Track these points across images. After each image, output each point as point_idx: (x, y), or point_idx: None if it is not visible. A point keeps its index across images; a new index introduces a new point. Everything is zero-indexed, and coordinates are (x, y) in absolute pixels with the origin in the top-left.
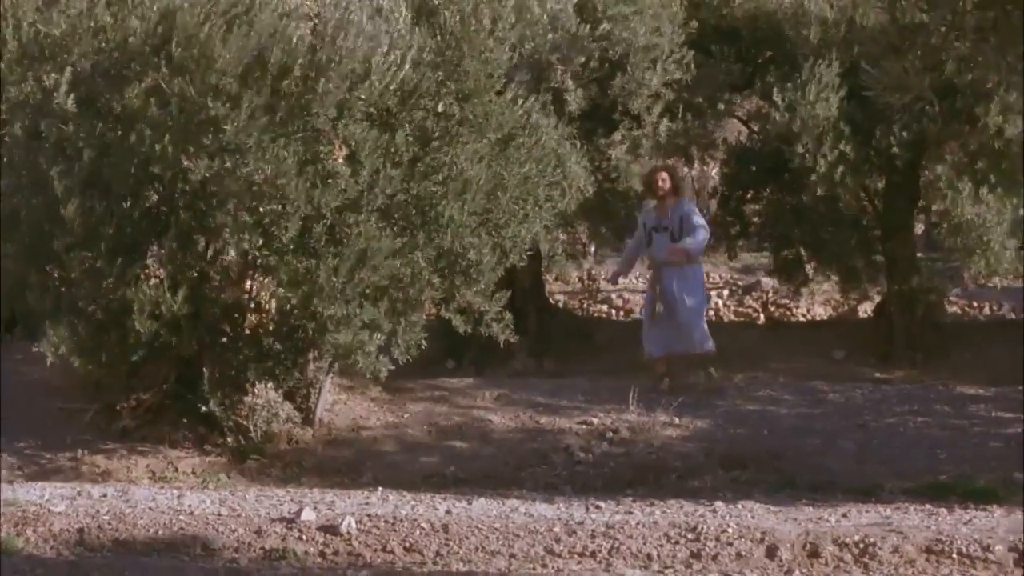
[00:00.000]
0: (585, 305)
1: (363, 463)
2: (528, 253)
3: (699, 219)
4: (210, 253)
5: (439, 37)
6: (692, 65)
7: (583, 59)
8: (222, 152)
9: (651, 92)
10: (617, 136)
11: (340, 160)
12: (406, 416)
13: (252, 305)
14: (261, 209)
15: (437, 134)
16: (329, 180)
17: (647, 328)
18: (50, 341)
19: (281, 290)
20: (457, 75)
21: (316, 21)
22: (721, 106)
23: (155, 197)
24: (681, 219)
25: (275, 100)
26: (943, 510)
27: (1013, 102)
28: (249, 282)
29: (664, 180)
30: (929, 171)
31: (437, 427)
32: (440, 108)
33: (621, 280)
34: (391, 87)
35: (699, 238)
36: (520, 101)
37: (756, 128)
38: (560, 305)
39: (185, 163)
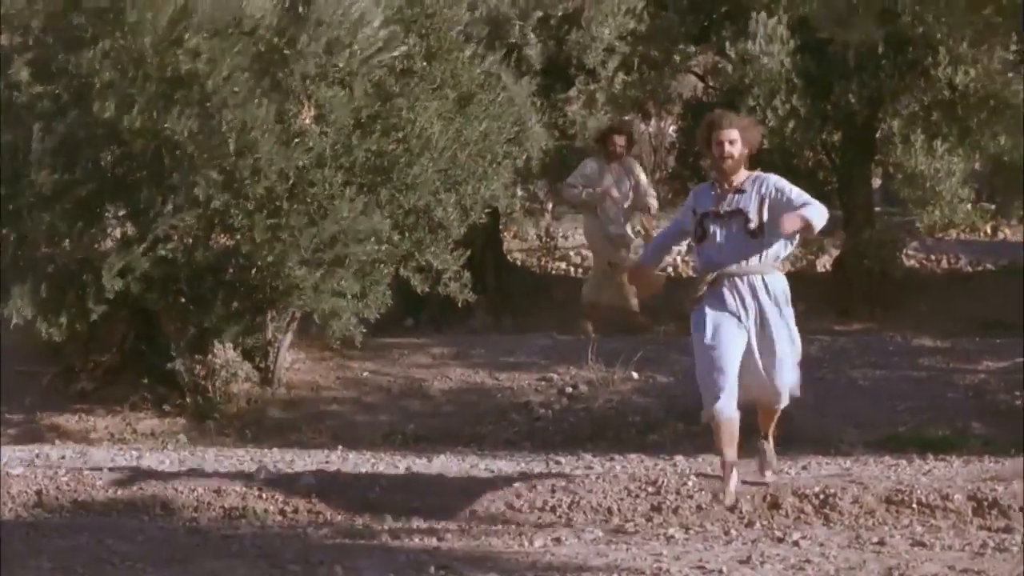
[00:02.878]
0: (543, 262)
1: (322, 422)
2: (486, 211)
3: (803, 194)
4: (173, 210)
5: None
6: (646, 16)
7: (541, 13)
8: (203, 110)
9: (605, 45)
10: (573, 92)
11: (308, 120)
12: (365, 375)
13: (214, 264)
14: (229, 167)
15: (397, 90)
16: (296, 139)
17: (707, 371)
18: (14, 303)
19: (254, 248)
20: (420, 32)
21: None
22: (677, 59)
23: (117, 154)
24: (765, 199)
25: (252, 59)
26: (902, 461)
27: (962, 52)
28: (211, 241)
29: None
30: (885, 124)
31: (396, 386)
32: (401, 66)
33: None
34: (356, 49)
35: (821, 210)
36: (480, 59)
37: (712, 82)
38: (518, 263)
39: (166, 125)
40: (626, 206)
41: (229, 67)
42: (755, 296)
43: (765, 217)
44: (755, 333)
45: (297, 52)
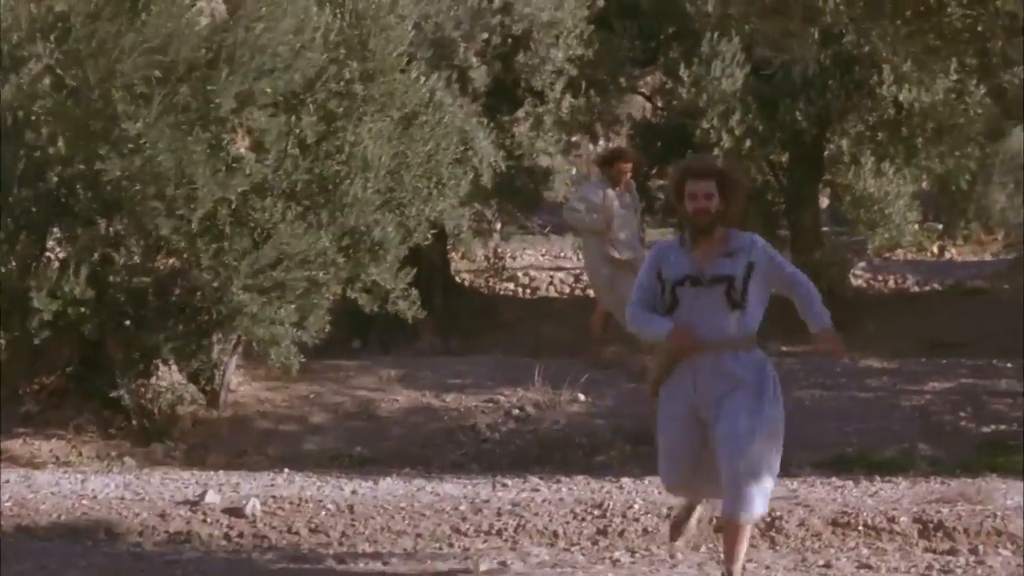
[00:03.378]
0: (491, 283)
1: (269, 444)
2: (432, 232)
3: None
4: (113, 235)
5: (343, 16)
6: (595, 40)
7: (486, 35)
8: (131, 152)
9: (554, 68)
10: (521, 113)
11: (243, 149)
12: (312, 397)
13: (157, 288)
14: (169, 193)
15: (342, 112)
16: (235, 165)
17: (662, 456)
18: None
19: (195, 272)
20: (362, 55)
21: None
22: (623, 81)
23: (59, 178)
24: (755, 267)
25: (179, 88)
26: (849, 482)
27: (907, 72)
28: (153, 264)
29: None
30: (833, 144)
31: (343, 407)
32: (345, 88)
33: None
34: (295, 77)
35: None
36: (423, 79)
37: (660, 104)
38: (466, 283)
39: (97, 165)
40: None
41: (161, 106)
42: (727, 377)
43: (752, 287)
44: (723, 422)
45: (227, 81)
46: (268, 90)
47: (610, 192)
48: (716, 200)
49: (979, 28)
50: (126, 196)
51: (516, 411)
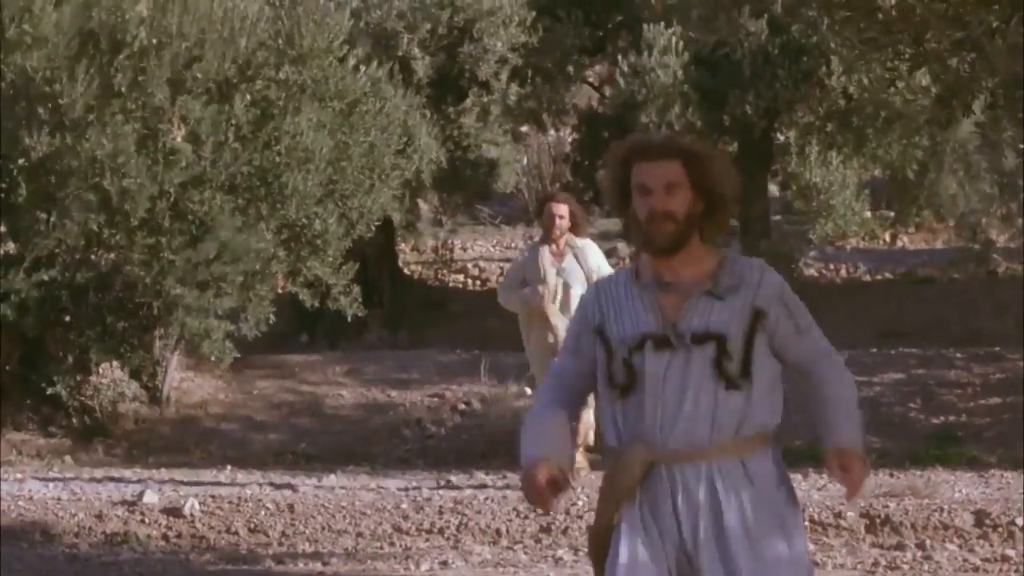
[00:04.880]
0: (441, 275)
1: (212, 441)
2: (377, 223)
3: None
4: (54, 231)
5: (276, 4)
6: (540, 28)
7: (429, 26)
8: (62, 128)
9: (498, 57)
10: (467, 103)
11: (179, 139)
12: (255, 393)
13: (95, 283)
14: (105, 186)
15: (280, 102)
16: (171, 156)
17: None
18: None
19: (129, 267)
20: (293, 41)
21: None
22: (571, 70)
23: None
24: (763, 318)
25: (112, 76)
26: (797, 476)
27: (854, 61)
28: (93, 259)
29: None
30: (782, 135)
31: (287, 403)
32: (280, 76)
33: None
34: (226, 65)
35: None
36: (363, 68)
37: (607, 93)
38: (415, 276)
39: (26, 140)
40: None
41: (84, 86)
42: (726, 503)
43: (759, 349)
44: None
45: (153, 74)
46: (199, 75)
47: (546, 253)
48: (686, 196)
49: (916, 16)
50: (64, 189)
51: (462, 406)
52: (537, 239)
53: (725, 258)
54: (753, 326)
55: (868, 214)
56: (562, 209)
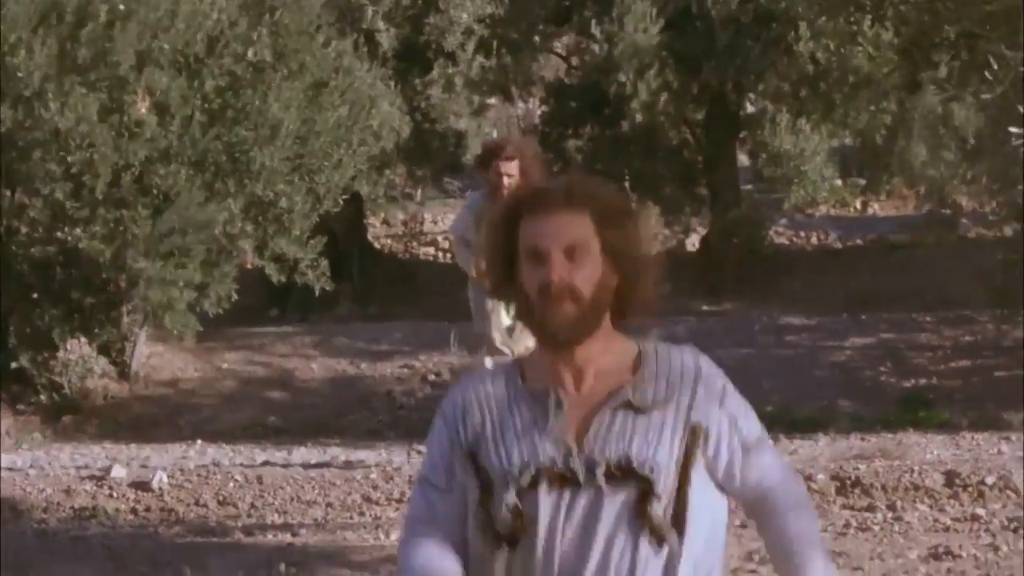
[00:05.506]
0: (410, 248)
1: (181, 416)
2: (344, 197)
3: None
4: (18, 205)
5: None
6: None
7: None
8: (23, 100)
9: (464, 28)
10: (434, 75)
11: (144, 110)
12: (225, 367)
13: (62, 259)
14: (69, 159)
15: (248, 79)
16: (136, 129)
17: None
18: None
19: (94, 243)
20: (268, 20)
21: None
22: (537, 40)
23: None
24: (702, 439)
25: (75, 47)
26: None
27: (822, 26)
28: (59, 234)
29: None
30: (751, 102)
31: (257, 377)
32: (251, 54)
33: None
34: (198, 35)
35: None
36: (332, 44)
37: (575, 63)
38: (385, 249)
39: None
40: None
41: (44, 57)
42: None
43: (697, 486)
44: None
45: (118, 43)
46: (166, 46)
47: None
48: (595, 264)
49: None
50: (27, 161)
51: (432, 376)
52: (483, 192)
53: (646, 351)
54: (690, 451)
55: (839, 182)
56: (511, 167)
